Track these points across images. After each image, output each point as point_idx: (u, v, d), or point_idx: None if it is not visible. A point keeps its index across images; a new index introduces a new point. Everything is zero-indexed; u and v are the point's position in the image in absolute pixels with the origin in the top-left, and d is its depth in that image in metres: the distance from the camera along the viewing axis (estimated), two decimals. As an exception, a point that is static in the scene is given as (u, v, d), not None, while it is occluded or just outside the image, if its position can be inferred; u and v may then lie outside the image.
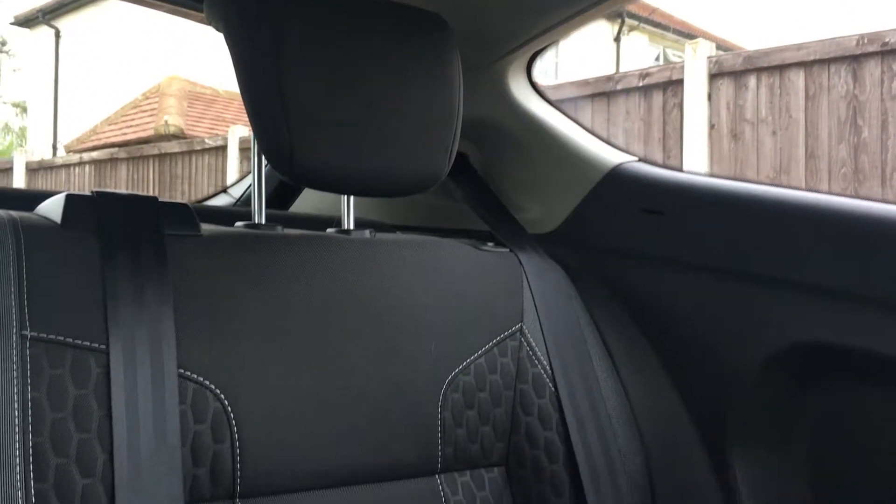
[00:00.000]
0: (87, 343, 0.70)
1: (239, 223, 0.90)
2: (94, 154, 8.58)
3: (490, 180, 1.19)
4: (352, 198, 0.99)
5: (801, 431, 0.92)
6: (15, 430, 0.64)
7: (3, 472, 0.62)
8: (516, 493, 0.94)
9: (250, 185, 0.99)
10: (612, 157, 1.11)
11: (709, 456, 0.95)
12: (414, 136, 0.83)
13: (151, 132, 9.75)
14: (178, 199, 0.84)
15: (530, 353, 0.97)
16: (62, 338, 0.69)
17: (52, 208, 0.77)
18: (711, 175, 1.05)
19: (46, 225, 0.75)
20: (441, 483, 0.88)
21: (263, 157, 0.87)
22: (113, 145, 9.28)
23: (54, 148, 12.60)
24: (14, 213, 0.74)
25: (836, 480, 0.90)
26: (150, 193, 0.86)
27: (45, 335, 0.68)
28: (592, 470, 0.93)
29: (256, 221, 0.90)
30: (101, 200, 0.78)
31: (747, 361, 0.91)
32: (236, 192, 1.46)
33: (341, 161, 0.80)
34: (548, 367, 0.97)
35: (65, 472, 0.66)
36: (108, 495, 0.67)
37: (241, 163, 6.53)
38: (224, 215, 0.98)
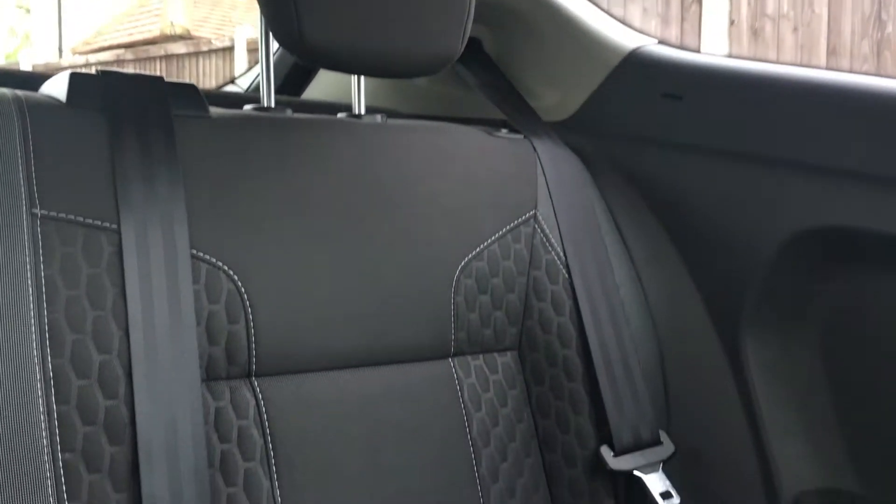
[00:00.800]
0: (99, 222, 0.70)
1: (248, 106, 0.88)
2: (101, 56, 8.47)
3: (504, 66, 1.15)
4: (363, 81, 0.96)
5: (814, 315, 0.92)
6: (30, 306, 0.64)
7: (19, 347, 0.62)
8: (529, 377, 0.94)
9: (258, 75, 0.97)
10: (630, 40, 1.08)
11: (721, 341, 0.96)
12: (427, 14, 0.80)
13: (157, 33, 9.59)
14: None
15: (544, 239, 0.96)
16: (73, 216, 0.69)
17: (56, 87, 0.76)
18: (732, 56, 1.02)
19: (52, 103, 0.73)
20: (454, 366, 0.89)
21: (272, 40, 0.85)
22: (119, 47, 9.15)
23: (60, 51, 12.42)
24: (18, 92, 0.72)
25: (847, 364, 0.91)
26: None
27: (55, 213, 0.68)
28: (605, 355, 0.93)
29: (265, 105, 0.89)
30: (106, 79, 0.76)
31: (763, 246, 0.90)
32: (244, 82, 1.43)
33: (352, 38, 0.77)
34: (561, 254, 0.96)
35: (81, 347, 0.66)
36: (125, 371, 0.67)
37: (249, 64, 6.43)
38: (232, 99, 0.96)
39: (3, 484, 0.59)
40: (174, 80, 0.81)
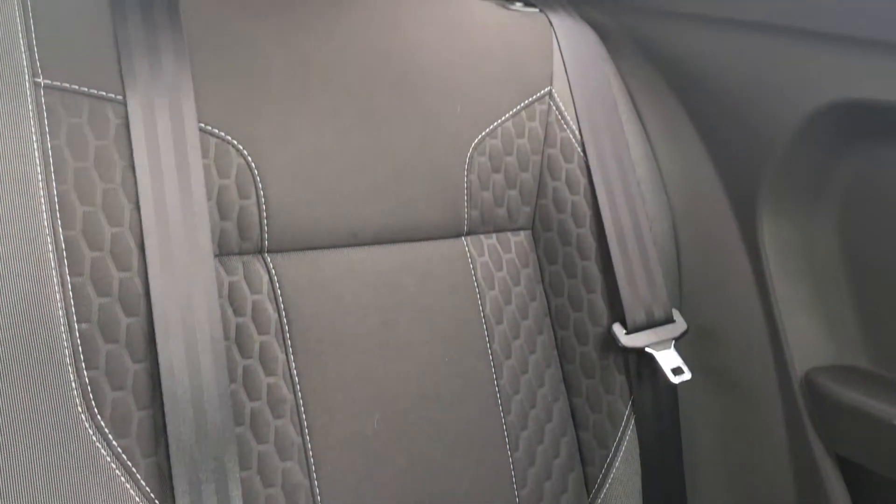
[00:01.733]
0: (104, 93, 0.68)
1: None
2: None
3: None
4: None
5: (831, 193, 0.90)
6: (38, 178, 0.63)
7: (29, 218, 0.62)
8: (542, 256, 0.94)
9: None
10: None
11: (737, 219, 0.94)
12: None
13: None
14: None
15: (559, 117, 0.94)
16: (77, 87, 0.67)
17: None
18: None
19: None
20: (468, 245, 0.88)
21: None
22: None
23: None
24: None
25: (863, 242, 0.90)
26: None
27: (59, 83, 0.66)
28: (619, 233, 0.93)
29: None
30: None
31: (784, 121, 0.87)
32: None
33: None
34: (577, 132, 0.94)
35: (92, 219, 0.66)
36: (138, 244, 0.67)
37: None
38: None
39: (21, 354, 0.59)
40: None
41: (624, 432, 0.92)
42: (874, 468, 0.85)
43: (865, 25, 0.82)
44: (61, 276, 0.63)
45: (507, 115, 0.91)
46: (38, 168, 0.63)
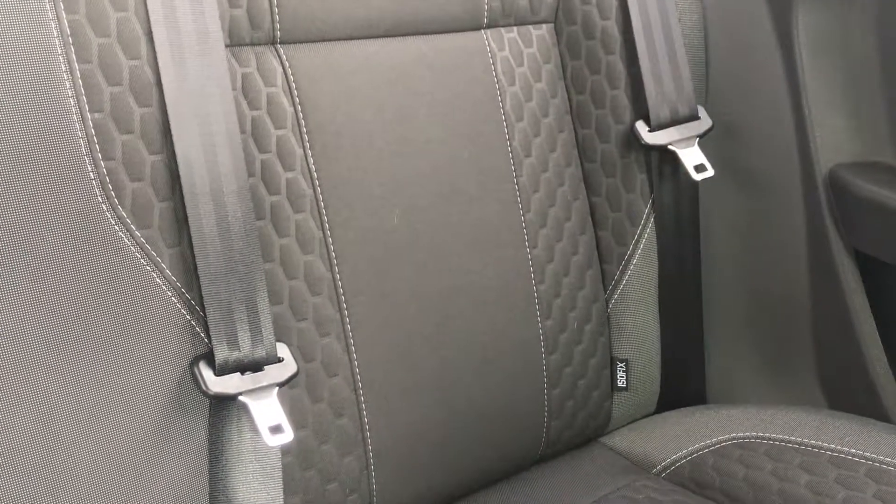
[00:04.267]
0: None
1: None
2: None
3: None
4: None
5: None
6: (58, 54, 0.60)
7: (31, 2, 0.59)
8: (564, 51, 0.91)
9: None
10: None
11: (772, 13, 0.90)
12: None
13: None
14: None
15: None
16: None
17: None
18: None
19: None
20: (487, 38, 0.85)
21: None
22: None
23: None
24: None
25: None
26: None
27: None
28: (646, 27, 0.88)
29: None
30: None
31: None
32: None
33: None
34: None
35: (96, 3, 0.63)
36: (145, 31, 0.64)
37: None
38: None
39: (37, 144, 0.59)
40: None
41: (643, 231, 0.92)
42: (892, 261, 0.85)
43: None
44: (69, 62, 0.61)
45: None
46: (58, 43, 0.60)
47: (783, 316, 0.98)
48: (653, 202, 0.92)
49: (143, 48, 0.64)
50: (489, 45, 0.85)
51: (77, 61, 0.61)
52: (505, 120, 0.85)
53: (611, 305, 0.93)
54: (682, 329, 0.97)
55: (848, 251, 0.89)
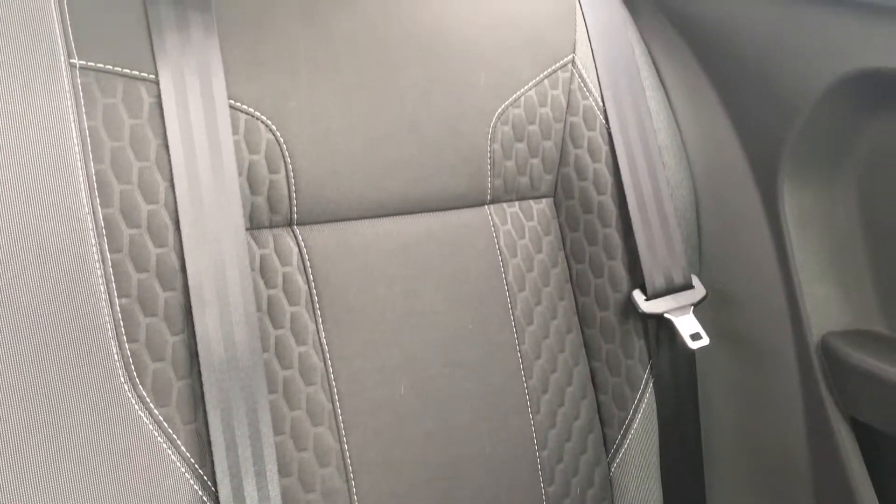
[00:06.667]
0: (137, 72, 0.70)
1: None
2: None
3: None
4: None
5: (853, 161, 0.91)
6: (77, 158, 0.65)
7: (70, 198, 0.64)
8: (563, 224, 0.96)
9: None
10: None
11: (758, 187, 0.95)
12: None
13: None
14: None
15: (582, 84, 0.95)
16: (111, 66, 0.69)
17: None
18: None
19: None
20: (491, 213, 0.90)
21: None
22: None
23: None
24: None
25: (884, 210, 0.90)
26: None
27: (93, 64, 0.68)
28: (640, 201, 0.94)
29: None
30: None
31: (807, 89, 0.88)
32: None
33: None
34: (599, 100, 0.95)
35: (129, 197, 0.68)
36: (173, 220, 0.69)
37: None
38: None
39: (67, 329, 0.62)
40: None
41: (642, 396, 0.95)
42: (889, 431, 0.87)
43: None
44: (101, 252, 0.65)
45: (530, 84, 0.92)
46: (77, 148, 0.65)
47: (784, 482, 0.99)
48: (651, 368, 0.95)
49: (171, 236, 0.69)
50: (492, 219, 0.90)
51: (109, 251, 0.66)
52: (507, 290, 0.89)
53: (612, 470, 0.94)
54: (685, 494, 0.98)
55: (845, 419, 0.91)
